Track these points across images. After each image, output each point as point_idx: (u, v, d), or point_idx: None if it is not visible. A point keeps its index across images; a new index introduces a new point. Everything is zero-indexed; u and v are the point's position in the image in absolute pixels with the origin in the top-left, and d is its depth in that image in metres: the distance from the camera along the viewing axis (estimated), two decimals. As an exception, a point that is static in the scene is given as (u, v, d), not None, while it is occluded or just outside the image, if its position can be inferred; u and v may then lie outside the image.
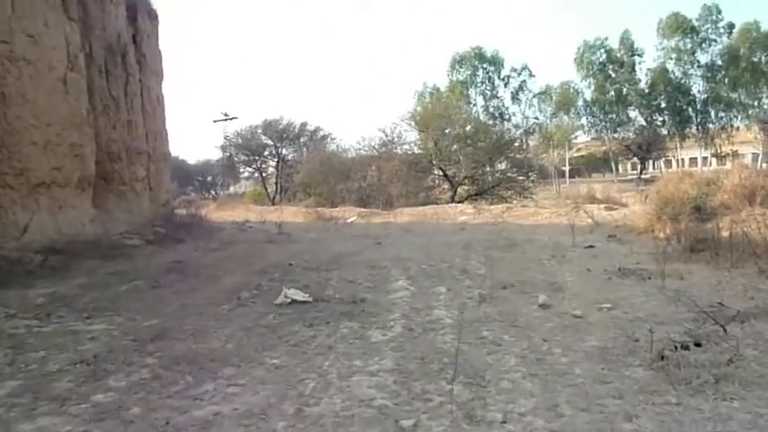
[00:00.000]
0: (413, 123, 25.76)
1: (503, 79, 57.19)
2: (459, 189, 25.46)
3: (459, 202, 24.91)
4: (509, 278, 6.76)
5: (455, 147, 25.52)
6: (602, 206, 15.86)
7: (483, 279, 6.72)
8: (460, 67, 56.75)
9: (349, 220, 20.80)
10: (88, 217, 11.27)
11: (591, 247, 9.23)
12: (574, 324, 4.64)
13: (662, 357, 3.62)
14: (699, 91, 54.69)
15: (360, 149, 28.94)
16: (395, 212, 21.41)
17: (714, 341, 3.88)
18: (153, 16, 14.76)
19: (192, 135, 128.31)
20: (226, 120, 46.82)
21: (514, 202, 24.51)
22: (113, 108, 12.78)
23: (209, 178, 71.53)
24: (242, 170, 44.70)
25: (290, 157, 39.16)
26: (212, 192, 72.37)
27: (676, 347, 3.81)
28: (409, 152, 26.24)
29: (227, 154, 43.23)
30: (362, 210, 22.45)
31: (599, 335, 4.29)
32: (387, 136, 26.82)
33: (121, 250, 10.01)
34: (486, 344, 4.19)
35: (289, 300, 5.63)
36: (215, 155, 51.38)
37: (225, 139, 42.99)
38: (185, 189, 69.12)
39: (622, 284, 6.20)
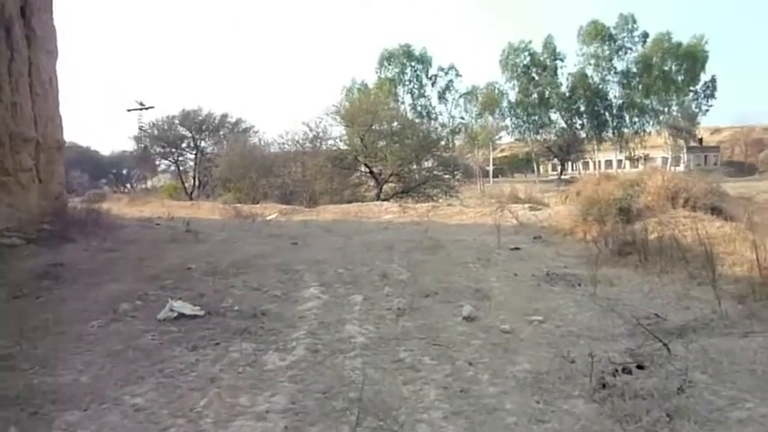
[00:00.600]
0: (338, 118, 25.03)
1: (430, 78, 57.60)
2: (384, 186, 24.95)
3: (384, 200, 24.43)
4: (432, 284, 6.20)
5: (381, 143, 24.99)
6: (526, 206, 15.76)
7: (404, 285, 6.11)
8: (389, 65, 56.61)
9: (269, 218, 19.77)
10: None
11: (517, 249, 8.86)
12: (503, 341, 4.10)
13: (603, 386, 3.11)
14: (615, 96, 57.32)
15: (283, 144, 27.86)
16: (318, 210, 20.59)
17: (658, 362, 3.44)
18: (45, -13, 13.16)
19: (106, 125, 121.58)
20: (141, 109, 44.26)
21: (440, 200, 24.30)
22: (-6, 88, 11.23)
23: (125, 171, 67.61)
24: (158, 163, 42.25)
25: (209, 150, 37.32)
26: (127, 185, 68.44)
27: (617, 371, 3.34)
28: (334, 148, 25.46)
29: (142, 145, 40.71)
30: (284, 207, 21.47)
31: (531, 355, 3.76)
32: (311, 130, 25.94)
33: (-5, 250, 8.68)
34: (403, 369, 3.56)
35: (175, 314, 4.78)
36: (130, 146, 48.08)
37: (139, 129, 40.49)
38: (98, 182, 65.03)
39: (552, 292, 5.77)
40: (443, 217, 15.49)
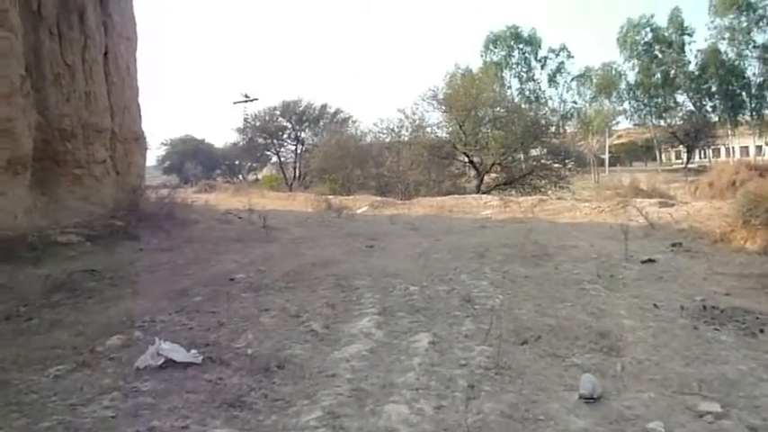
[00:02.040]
0: (435, 103, 23.27)
1: (539, 61, 53.83)
2: (486, 177, 22.91)
3: (485, 193, 22.42)
4: (533, 319, 4.42)
5: (483, 130, 22.93)
6: (654, 201, 13.18)
7: (493, 319, 4.37)
8: (495, 48, 53.64)
9: (359, 211, 18.56)
10: (22, 206, 9.28)
11: (651, 261, 6.75)
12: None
13: None
14: (754, 74, 50.19)
15: (378, 133, 26.57)
16: (411, 203, 19.06)
17: None
18: (124, -28, 12.62)
19: (218, 117, 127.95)
20: (246, 101, 45.15)
21: (549, 193, 21.84)
22: (67, 77, 10.76)
23: (237, 162, 69.87)
24: (259, 154, 42.80)
25: (309, 141, 37.05)
26: (239, 176, 70.88)
27: None
28: (432, 136, 23.74)
29: (248, 137, 41.33)
30: (377, 199, 20.16)
31: None
32: (407, 118, 24.38)
33: (45, 250, 7.96)
34: None
35: (161, 360, 3.41)
36: (235, 138, 49.21)
37: (244, 121, 41.12)
38: (212, 173, 67.81)
39: (719, 343, 3.78)
40: (552, 213, 13.34)
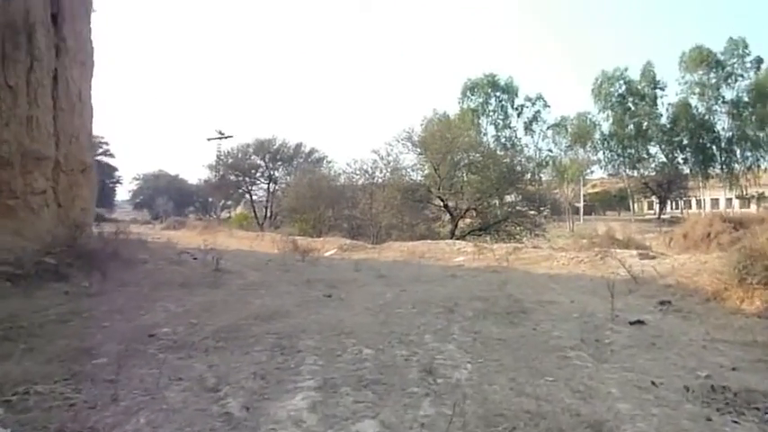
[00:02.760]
0: (410, 145, 22.76)
1: (516, 108, 54.49)
2: (460, 223, 22.27)
3: (459, 238, 21.75)
4: (507, 399, 3.57)
5: (458, 174, 22.44)
6: (634, 252, 12.57)
7: (458, 399, 3.50)
8: (472, 95, 54.17)
9: (326, 254, 17.65)
10: (-63, 240, 8.22)
11: (640, 322, 5.99)
12: None
13: None
14: (723, 128, 51.52)
15: (351, 173, 25.91)
16: (382, 247, 18.24)
17: None
18: (82, -6, 11.90)
19: (193, 154, 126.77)
20: (220, 138, 44.28)
21: (524, 240, 21.25)
22: (9, 100, 9.85)
23: (210, 200, 68.51)
24: (231, 192, 41.81)
25: (282, 180, 36.27)
26: (211, 214, 69.39)
27: None
28: (406, 178, 23.13)
29: (219, 174, 40.40)
30: (346, 242, 19.30)
31: None
32: (381, 159, 23.81)
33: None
34: None
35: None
36: (206, 174, 48.09)
37: (217, 158, 40.26)
38: (185, 209, 66.42)
39: (741, 441, 2.97)
40: (528, 263, 12.61)
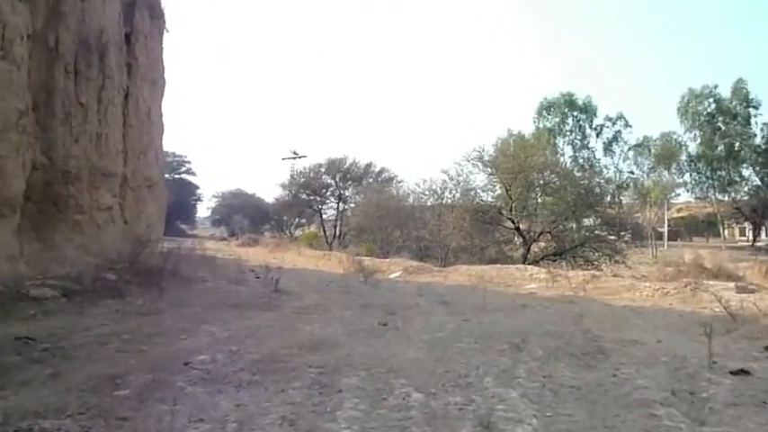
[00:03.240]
0: (480, 164, 21.93)
1: (595, 129, 52.24)
2: (533, 246, 21.15)
3: (532, 263, 20.62)
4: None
5: (532, 196, 21.39)
6: (730, 285, 11.22)
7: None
8: (548, 114, 52.51)
9: (391, 276, 17.13)
10: (5, 253, 8.36)
11: (744, 372, 5.02)
12: None
13: None
14: (828, 149, 47.08)
15: (420, 194, 25.36)
16: (449, 270, 17.51)
17: None
18: (156, 15, 12.19)
19: (270, 172, 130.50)
20: (294, 158, 45.01)
21: (603, 267, 19.83)
22: (79, 117, 10.07)
23: (285, 218, 69.51)
24: (302, 211, 42.30)
25: (352, 200, 36.27)
26: (286, 232, 70.67)
27: None
28: (477, 199, 22.27)
29: (292, 193, 41.02)
30: (412, 264, 18.69)
31: None
32: (451, 179, 23.12)
33: (9, 305, 6.91)
34: None
35: None
36: (278, 193, 48.88)
37: (291, 177, 40.92)
38: (261, 227, 68.03)
39: None
40: (607, 293, 11.53)
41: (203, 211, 78.33)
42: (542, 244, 21.78)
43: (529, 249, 20.87)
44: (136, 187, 11.31)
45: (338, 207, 37.62)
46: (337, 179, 37.66)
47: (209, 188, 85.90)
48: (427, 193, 24.76)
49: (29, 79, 9.08)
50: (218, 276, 12.18)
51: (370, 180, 35.45)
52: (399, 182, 33.45)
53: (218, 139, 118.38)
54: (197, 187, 72.59)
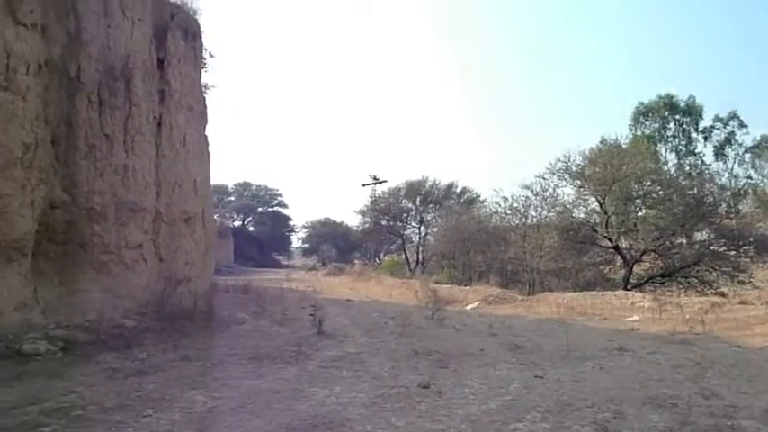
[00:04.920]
0: (567, 177, 19.45)
1: (702, 131, 47.19)
2: (636, 267, 18.35)
3: (636, 286, 17.86)
4: None
5: (630, 209, 18.66)
6: None
7: None
8: (646, 120, 48.14)
9: (468, 307, 15.24)
10: (14, 301, 7.56)
11: None
12: None
13: None
14: None
15: (503, 213, 23.17)
16: (535, 299, 15.35)
17: None
18: (191, 37, 11.38)
19: (353, 200, 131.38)
20: (375, 183, 44.14)
21: (724, 289, 16.74)
22: (104, 149, 9.28)
23: (367, 245, 68.85)
24: (383, 237, 41.05)
25: (432, 223, 34.50)
26: (375, 259, 70.01)
27: None
28: (564, 215, 19.75)
29: (372, 220, 39.98)
30: (492, 293, 16.67)
31: None
32: (535, 195, 20.82)
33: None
34: None
35: None
36: (358, 221, 47.95)
37: (371, 203, 39.94)
38: (349, 255, 67.78)
39: None
40: (734, 327, 9.06)
41: (297, 241, 79.78)
42: (646, 264, 18.88)
43: (631, 271, 18.08)
44: (171, 222, 10.37)
45: (420, 231, 36.02)
46: (417, 202, 36.12)
47: (300, 219, 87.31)
48: (509, 212, 22.56)
49: (45, 111, 8.38)
50: (265, 315, 10.96)
51: (452, 202, 33.62)
52: (482, 202, 31.34)
53: (299, 168, 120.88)
54: (289, 219, 74.07)
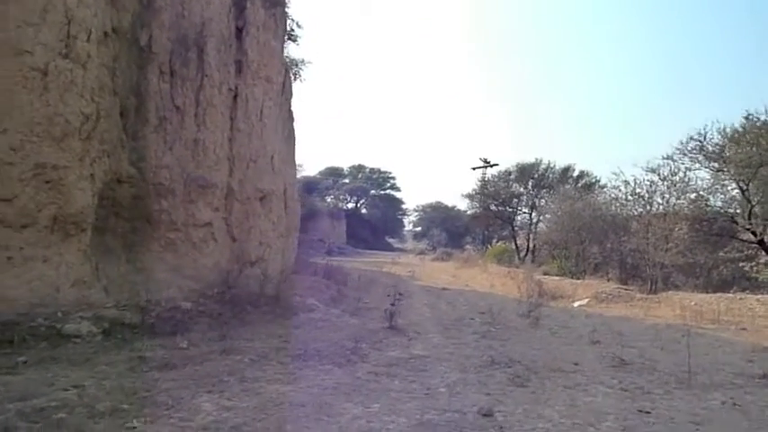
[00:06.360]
0: (701, 158, 16.52)
1: None
2: (787, 266, 15.38)
3: (786, 289, 14.96)
4: None
5: (783, 197, 15.62)
6: None
7: None
8: (804, 97, 41.60)
9: (576, 304, 13.49)
10: (71, 277, 7.27)
11: None
12: None
13: None
14: None
15: (623, 199, 20.57)
16: (656, 298, 13.23)
17: None
18: (270, 3, 10.69)
19: (465, 184, 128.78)
20: (485, 167, 42.31)
21: None
22: (175, 122, 8.90)
23: (478, 230, 66.80)
24: (491, 222, 39.09)
25: (545, 209, 32.03)
26: (488, 245, 68.03)
27: None
28: (697, 203, 16.96)
29: (482, 204, 38.18)
30: (605, 289, 14.69)
31: None
32: (663, 180, 18.09)
33: (26, 345, 5.61)
34: None
35: None
36: (465, 205, 45.98)
37: (480, 187, 38.15)
38: (461, 240, 66.47)
39: None
40: None
41: (409, 225, 79.55)
42: (802, 263, 15.79)
43: (781, 271, 15.20)
44: (245, 200, 9.82)
45: (531, 218, 33.72)
46: (530, 186, 33.80)
47: (412, 202, 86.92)
48: (631, 198, 19.97)
49: (113, 82, 8.08)
50: (341, 303, 10.18)
51: (568, 186, 30.96)
52: (602, 187, 28.45)
53: (412, 150, 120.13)
54: (402, 202, 73.79)
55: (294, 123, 12.12)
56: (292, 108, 12.06)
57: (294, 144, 12.15)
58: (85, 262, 7.55)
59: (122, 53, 8.38)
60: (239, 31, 10.29)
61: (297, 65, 15.24)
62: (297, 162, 13.07)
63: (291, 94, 11.80)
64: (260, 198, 10.16)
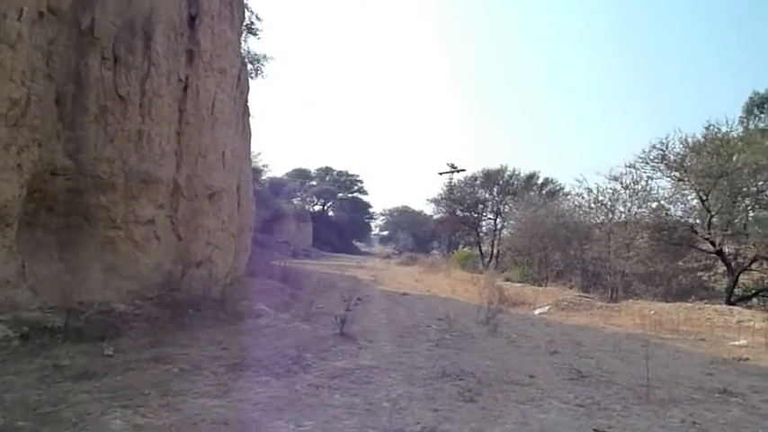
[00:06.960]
0: (663, 167, 16.63)
1: (829, 126, 41.33)
2: (742, 277, 15.55)
3: (742, 299, 15.16)
4: None
5: (740, 208, 15.81)
6: None
7: None
8: (761, 112, 42.85)
9: (536, 311, 13.31)
10: (-9, 277, 6.65)
11: None
12: None
13: None
14: None
15: (586, 207, 20.64)
16: (616, 307, 13.15)
17: None
18: (228, -8, 10.19)
19: (432, 189, 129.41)
20: (452, 172, 42.35)
21: None
22: (117, 111, 8.28)
23: (454, 236, 66.63)
24: (457, 228, 39.06)
25: (509, 216, 32.09)
26: (453, 250, 67.90)
27: None
28: (658, 212, 17.03)
29: (447, 209, 38.17)
30: (566, 297, 14.57)
31: None
32: (625, 189, 18.15)
33: None
34: None
35: None
36: (431, 210, 45.94)
37: (446, 192, 38.14)
38: (427, 245, 66.38)
39: None
40: None
41: (375, 228, 79.17)
42: (756, 274, 15.99)
43: (736, 281, 15.32)
44: (192, 196, 9.28)
45: (495, 224, 33.72)
46: (495, 192, 33.85)
47: (379, 206, 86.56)
48: (594, 205, 20.02)
49: (48, 66, 7.48)
50: (292, 308, 9.72)
51: (532, 193, 31.08)
52: (566, 194, 28.61)
53: (379, 154, 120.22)
54: (369, 206, 73.32)
55: (251, 119, 11.63)
56: (248, 103, 11.57)
57: (250, 140, 11.66)
58: (10, 259, 6.93)
59: (61, 36, 7.76)
60: (192, 19, 9.75)
61: (258, 60, 14.75)
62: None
63: (248, 89, 11.31)
64: (209, 195, 9.63)
